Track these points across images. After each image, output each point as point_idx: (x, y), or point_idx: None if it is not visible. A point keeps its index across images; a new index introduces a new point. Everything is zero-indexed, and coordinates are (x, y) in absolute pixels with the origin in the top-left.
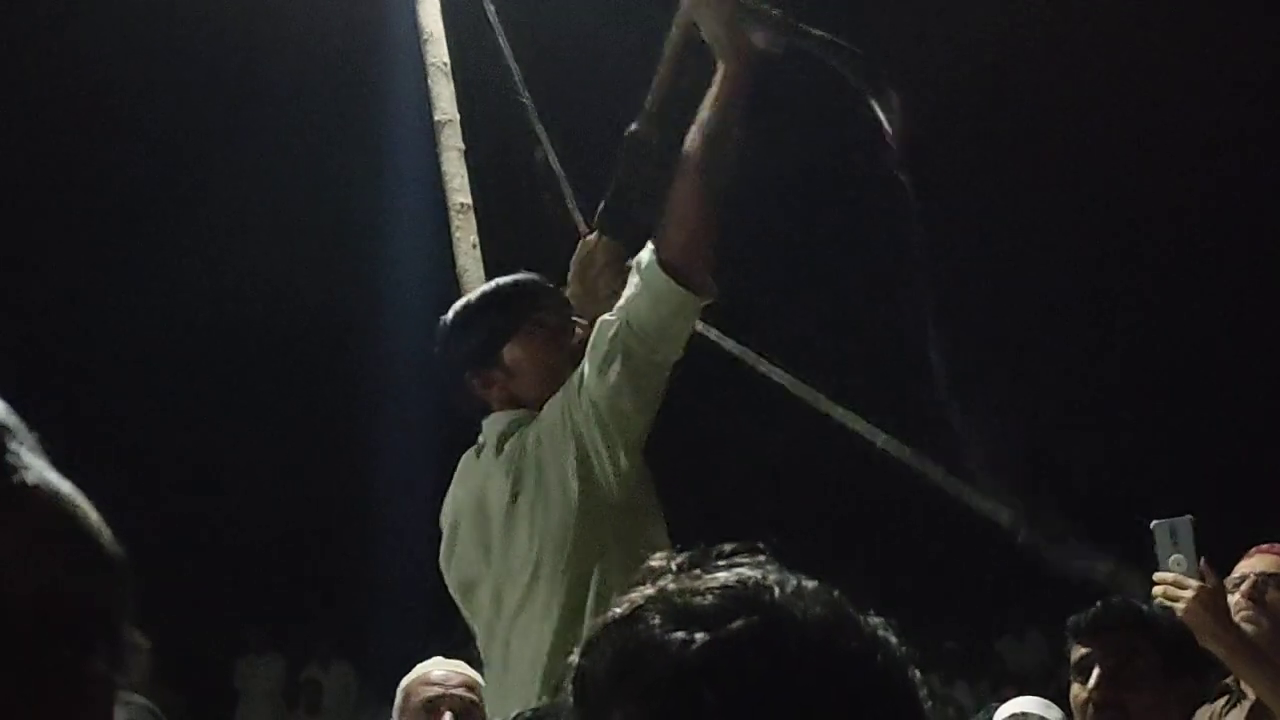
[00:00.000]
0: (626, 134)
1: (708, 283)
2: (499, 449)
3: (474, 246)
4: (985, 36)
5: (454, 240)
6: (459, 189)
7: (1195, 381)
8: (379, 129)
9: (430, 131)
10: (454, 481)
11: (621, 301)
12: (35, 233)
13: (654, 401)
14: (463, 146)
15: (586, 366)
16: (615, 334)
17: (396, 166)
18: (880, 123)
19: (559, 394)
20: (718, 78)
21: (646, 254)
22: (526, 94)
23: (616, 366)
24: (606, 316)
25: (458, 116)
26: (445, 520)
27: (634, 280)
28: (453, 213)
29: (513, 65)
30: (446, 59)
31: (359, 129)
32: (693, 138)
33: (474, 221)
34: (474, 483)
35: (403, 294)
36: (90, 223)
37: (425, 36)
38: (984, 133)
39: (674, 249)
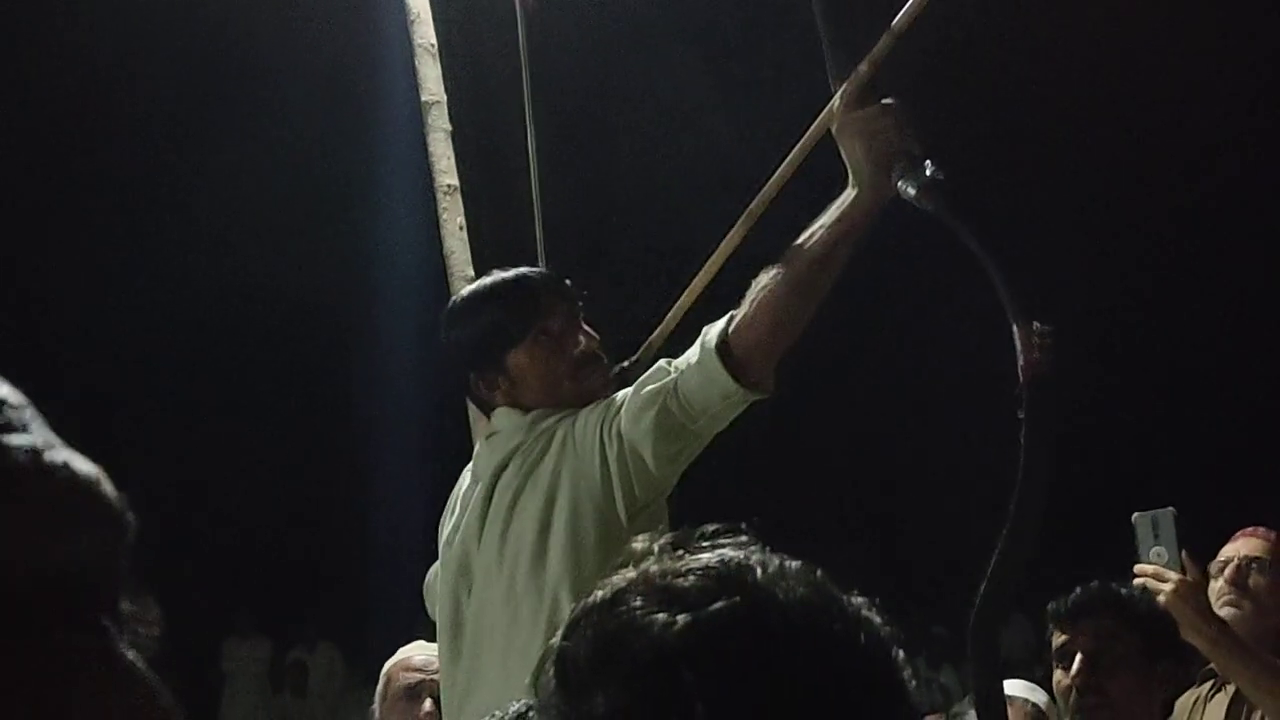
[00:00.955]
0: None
1: (765, 381)
2: (532, 436)
3: (461, 228)
4: (983, 35)
5: (441, 222)
6: (446, 170)
7: (1183, 377)
8: (365, 110)
9: (417, 113)
10: (471, 466)
11: (682, 360)
12: (27, 225)
13: (677, 460)
14: (449, 128)
15: (628, 401)
16: (662, 388)
17: (383, 148)
18: (1016, 349)
19: (600, 404)
20: (846, 199)
21: (716, 329)
22: (527, 94)
23: (649, 418)
24: (666, 364)
25: (445, 97)
26: (454, 504)
27: (697, 348)
28: (440, 194)
29: (523, 62)
30: (433, 40)
31: (346, 111)
32: (801, 244)
33: (461, 203)
34: (485, 469)
35: (389, 276)
36: (84, 213)
37: (412, 17)
38: (982, 132)
39: (740, 340)
